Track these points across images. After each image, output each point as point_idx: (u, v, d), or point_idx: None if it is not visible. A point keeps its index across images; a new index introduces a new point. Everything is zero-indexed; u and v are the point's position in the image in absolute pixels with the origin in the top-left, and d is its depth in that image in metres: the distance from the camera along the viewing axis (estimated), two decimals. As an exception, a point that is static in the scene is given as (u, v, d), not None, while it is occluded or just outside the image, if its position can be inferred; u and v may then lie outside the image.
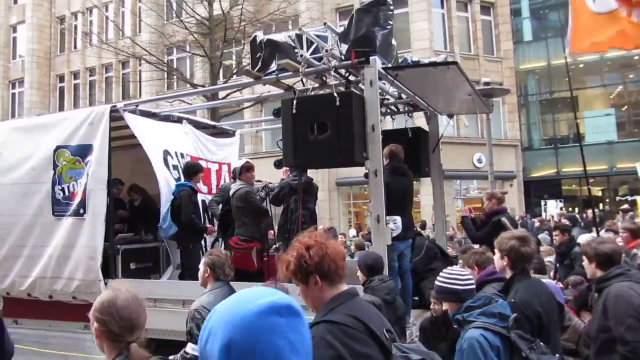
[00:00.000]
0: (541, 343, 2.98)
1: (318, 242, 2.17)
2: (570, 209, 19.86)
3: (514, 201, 20.61)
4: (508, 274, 3.64)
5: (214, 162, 7.57)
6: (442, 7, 24.77)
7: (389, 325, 2.29)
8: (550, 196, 22.76)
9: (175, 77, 25.10)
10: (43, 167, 6.31)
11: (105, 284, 5.83)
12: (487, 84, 15.66)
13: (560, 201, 22.48)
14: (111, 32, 29.98)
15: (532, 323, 3.29)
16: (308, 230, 2.30)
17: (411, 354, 2.14)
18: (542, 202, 22.85)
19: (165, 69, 21.50)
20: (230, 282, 4.36)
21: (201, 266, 4.23)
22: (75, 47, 32.52)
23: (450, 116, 7.24)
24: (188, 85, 20.77)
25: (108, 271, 5.99)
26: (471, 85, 5.97)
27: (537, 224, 12.60)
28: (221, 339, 1.18)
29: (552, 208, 18.28)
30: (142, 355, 2.11)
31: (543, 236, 9.46)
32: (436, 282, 3.27)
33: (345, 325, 2.05)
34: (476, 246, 6.09)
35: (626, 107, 25.57)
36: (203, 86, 16.75)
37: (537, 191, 24.45)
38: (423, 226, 13.35)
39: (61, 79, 32.71)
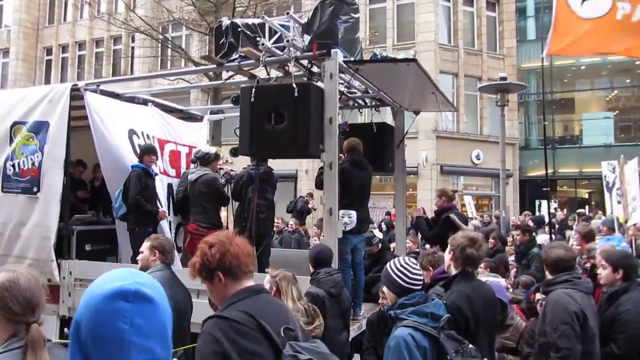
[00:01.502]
0: (471, 346, 3.05)
1: (221, 240, 2.28)
2: (564, 210, 20.04)
3: (509, 200, 20.84)
4: (452, 272, 3.78)
5: (183, 145, 7.70)
6: (449, 0, 24.93)
7: (294, 322, 2.39)
8: (545, 196, 22.98)
9: (169, 55, 25.05)
10: (0, 142, 6.46)
11: (58, 264, 6.06)
12: (503, 78, 15.88)
13: (555, 202, 22.70)
14: (104, 5, 30.04)
15: (459, 326, 3.37)
16: (215, 232, 2.43)
17: (302, 354, 2.17)
18: (537, 202, 23.05)
19: (168, 44, 21.08)
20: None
21: (146, 249, 4.27)
22: (65, 19, 32.39)
23: (417, 113, 7.43)
24: (183, 64, 20.69)
25: (62, 252, 6.19)
26: (433, 83, 6.16)
27: (531, 224, 12.86)
28: (75, 315, 1.34)
29: (546, 209, 18.42)
30: (42, 335, 2.09)
31: (544, 236, 9.57)
32: (386, 266, 3.29)
33: (234, 321, 2.13)
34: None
35: (625, 110, 25.99)
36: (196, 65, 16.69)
37: (531, 191, 24.76)
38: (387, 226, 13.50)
39: (49, 51, 32.55)
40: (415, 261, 3.32)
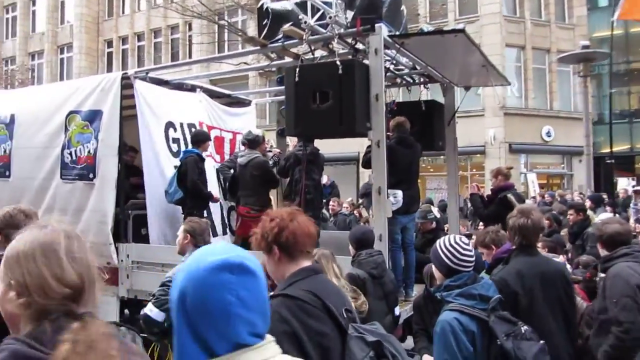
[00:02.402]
0: (526, 327, 2.94)
1: (282, 216, 2.29)
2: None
3: (582, 178, 20.16)
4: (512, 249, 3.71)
5: (227, 131, 7.94)
6: (513, -31, 24.14)
7: (350, 304, 2.43)
8: (622, 173, 22.01)
9: (226, 39, 25.43)
10: (55, 131, 6.84)
11: (116, 247, 6.42)
12: (585, 47, 15.31)
13: (633, 179, 21.68)
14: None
15: (507, 303, 3.24)
16: (283, 206, 2.50)
17: (367, 335, 2.20)
18: (614, 180, 22.11)
19: (226, 27, 21.20)
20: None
21: (180, 233, 4.38)
22: (123, 12, 33.61)
23: (467, 88, 7.30)
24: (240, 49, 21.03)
25: (119, 236, 6.53)
26: (483, 55, 6.03)
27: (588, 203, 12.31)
28: (178, 288, 1.36)
29: (624, 186, 17.63)
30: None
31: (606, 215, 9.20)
32: (435, 243, 3.21)
33: (301, 300, 2.13)
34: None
35: None
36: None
37: (607, 168, 23.69)
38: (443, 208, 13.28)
39: (109, 44, 33.94)
40: (467, 241, 3.22)
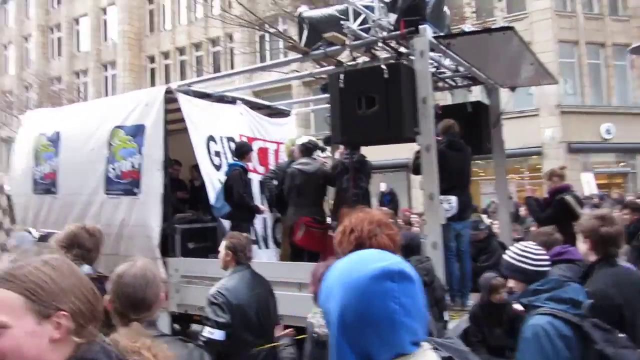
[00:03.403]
0: (621, 335, 2.79)
1: (364, 230, 2.20)
2: None
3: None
4: (592, 259, 3.53)
5: (271, 142, 8.03)
6: (561, -39, 23.67)
7: (427, 315, 2.40)
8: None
9: (268, 50, 25.72)
10: (100, 146, 7.06)
11: (164, 262, 6.53)
12: None
13: None
14: (200, 10, 31.64)
15: (610, 317, 3.04)
16: (376, 209, 2.39)
17: (440, 350, 2.17)
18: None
19: (268, 31, 21.23)
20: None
21: (222, 249, 4.38)
22: (164, 27, 34.39)
23: (513, 89, 7.17)
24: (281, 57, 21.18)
25: (167, 250, 6.64)
26: (532, 52, 5.92)
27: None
28: (339, 299, 1.33)
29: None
30: (141, 332, 2.11)
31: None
32: (504, 257, 3.16)
33: None
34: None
35: None
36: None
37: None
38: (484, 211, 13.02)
39: (152, 59, 34.73)
40: (533, 243, 3.19)
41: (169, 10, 33.90)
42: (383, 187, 17.30)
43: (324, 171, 6.88)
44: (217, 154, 7.14)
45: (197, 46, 32.56)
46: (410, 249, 4.79)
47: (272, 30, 19.62)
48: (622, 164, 23.87)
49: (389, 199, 17.57)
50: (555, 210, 6.36)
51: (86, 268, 2.98)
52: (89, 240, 3.10)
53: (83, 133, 7.39)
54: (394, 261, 1.38)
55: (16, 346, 1.32)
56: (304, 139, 7.32)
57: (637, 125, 20.79)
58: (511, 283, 3.18)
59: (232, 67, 29.18)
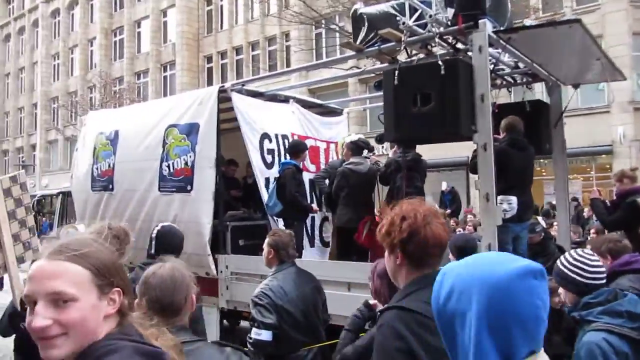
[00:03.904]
0: None
1: (417, 217, 2.11)
2: None
3: None
4: None
5: (322, 141, 8.11)
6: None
7: None
8: None
9: (324, 47, 25.82)
10: (155, 145, 7.26)
11: (215, 259, 6.67)
12: None
13: None
14: (257, 11, 32.10)
15: None
16: (419, 199, 2.27)
17: None
18: None
19: (324, 26, 21.12)
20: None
21: (265, 246, 4.43)
22: (222, 27, 35.21)
23: (576, 86, 6.90)
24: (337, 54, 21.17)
25: (218, 247, 6.78)
26: (599, 47, 5.67)
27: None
28: (482, 299, 1.35)
29: None
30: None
31: None
32: (557, 263, 3.04)
33: (419, 314, 1.97)
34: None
35: None
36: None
37: None
38: (546, 213, 12.54)
39: (209, 59, 35.63)
40: (590, 252, 3.06)
41: (227, 11, 34.78)
42: (444, 186, 17.09)
43: (375, 171, 6.87)
44: (271, 151, 7.23)
45: (254, 45, 33.12)
46: (465, 251, 4.68)
47: (330, 26, 19.70)
48: (699, 165, 22.66)
49: (450, 198, 17.33)
50: (624, 214, 6.12)
51: None
52: (112, 241, 3.01)
53: (139, 132, 7.61)
54: (529, 260, 1.43)
55: (81, 318, 1.40)
56: (354, 138, 7.30)
57: None
58: (561, 291, 3.07)
59: (287, 65, 29.49)
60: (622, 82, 18.80)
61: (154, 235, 4.27)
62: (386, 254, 2.22)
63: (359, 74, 7.58)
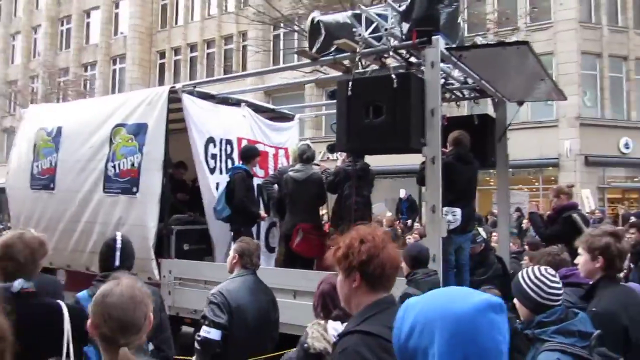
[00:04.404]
0: None
1: (375, 240, 2.16)
2: None
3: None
4: (596, 278, 3.50)
5: (271, 146, 8.15)
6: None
7: None
8: None
9: (282, 49, 25.81)
10: (101, 144, 7.16)
11: (158, 263, 6.62)
12: None
13: None
14: (214, 8, 31.86)
15: (617, 338, 3.11)
16: (375, 223, 2.37)
17: None
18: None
19: (286, 29, 20.95)
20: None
21: (230, 252, 4.53)
22: (176, 22, 34.74)
23: (520, 103, 7.21)
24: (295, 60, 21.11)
25: (161, 251, 6.73)
26: (544, 68, 5.95)
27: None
28: (443, 334, 1.38)
29: None
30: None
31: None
32: (518, 276, 3.07)
33: (382, 338, 1.98)
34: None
35: None
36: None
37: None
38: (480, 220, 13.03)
39: (162, 55, 35.13)
40: (553, 272, 3.09)
41: (182, 6, 34.31)
42: (402, 193, 17.40)
43: (316, 178, 6.92)
44: (214, 156, 7.23)
45: (209, 43, 32.81)
46: (419, 260, 4.87)
47: (293, 28, 19.62)
48: (636, 179, 24.19)
49: (407, 206, 17.64)
50: (561, 228, 6.44)
51: (17, 283, 2.80)
52: (23, 252, 2.88)
53: (84, 130, 7.47)
54: (490, 295, 1.47)
55: None
56: (301, 144, 7.40)
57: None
58: (516, 305, 3.11)
59: (244, 66, 29.40)
60: (571, 98, 19.84)
61: (118, 245, 4.03)
62: (340, 277, 2.23)
63: (313, 81, 7.68)
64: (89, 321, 2.09)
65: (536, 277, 2.95)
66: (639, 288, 4.57)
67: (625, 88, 23.87)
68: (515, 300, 3.12)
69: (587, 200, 17.44)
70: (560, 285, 3.00)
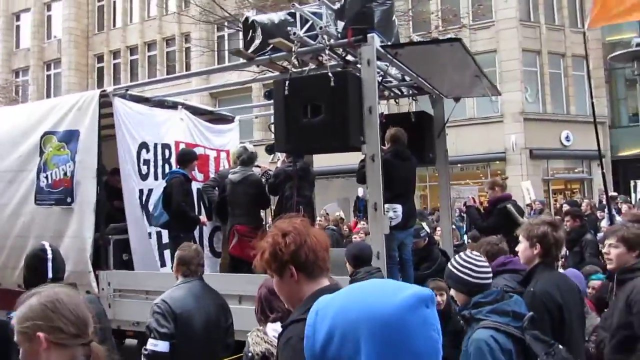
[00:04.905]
0: (561, 346, 2.93)
1: (297, 228, 2.12)
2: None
3: (601, 183, 20.45)
4: (533, 264, 3.68)
5: (212, 149, 8.09)
6: (524, -29, 24.82)
7: None
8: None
9: (226, 50, 25.62)
10: (30, 153, 6.90)
11: (96, 275, 6.44)
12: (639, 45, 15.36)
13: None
14: (154, 9, 31.39)
15: (553, 316, 3.32)
16: (288, 216, 2.26)
17: None
18: (632, 184, 22.47)
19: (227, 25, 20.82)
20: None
21: (175, 259, 4.50)
22: (114, 25, 34.11)
23: (457, 99, 7.41)
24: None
25: (99, 263, 6.55)
26: (477, 64, 6.13)
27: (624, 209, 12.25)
28: (372, 340, 1.21)
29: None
30: (102, 350, 2.05)
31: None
32: (448, 266, 3.21)
33: None
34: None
35: None
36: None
37: (626, 172, 24.23)
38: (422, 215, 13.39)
39: (100, 58, 34.44)
40: (477, 253, 3.28)
41: (120, 7, 33.67)
42: (360, 192, 17.61)
43: (253, 180, 6.89)
44: (147, 162, 7.11)
45: (150, 46, 32.34)
46: (361, 259, 4.95)
47: (236, 27, 19.44)
48: (577, 170, 25.39)
49: (364, 204, 17.84)
50: (497, 219, 6.72)
51: None
52: None
53: (11, 139, 7.20)
54: (416, 286, 1.31)
55: None
56: (239, 147, 7.37)
57: (592, 133, 21.61)
58: (453, 293, 3.31)
59: (187, 67, 29.14)
60: (514, 94, 20.72)
61: (48, 256, 3.84)
62: (275, 280, 2.17)
63: (249, 82, 7.66)
64: (38, 338, 1.93)
65: (464, 261, 3.14)
66: (574, 273, 4.82)
67: (564, 84, 24.99)
68: (452, 291, 3.32)
69: (527, 192, 18.12)
70: (487, 264, 3.20)
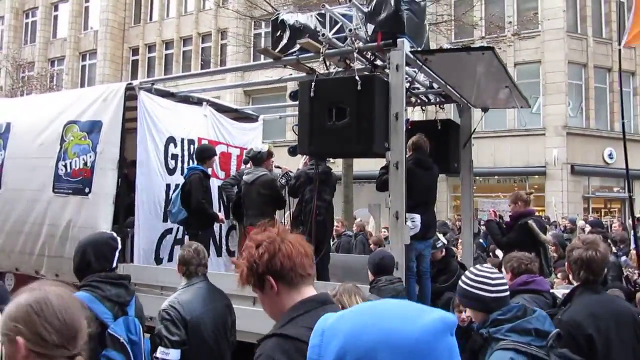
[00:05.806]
0: None
1: (270, 237, 2.08)
2: None
3: (642, 202, 20.17)
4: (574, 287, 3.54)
5: (235, 147, 8.17)
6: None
7: None
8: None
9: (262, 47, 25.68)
10: (52, 142, 7.06)
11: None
12: None
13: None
14: (191, 4, 31.77)
15: (580, 347, 3.10)
16: (263, 225, 2.20)
17: None
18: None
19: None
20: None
21: (179, 259, 4.46)
22: (151, 19, 34.65)
23: (485, 110, 7.37)
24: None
25: (116, 255, 6.70)
26: (508, 75, 6.10)
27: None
28: None
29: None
30: None
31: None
32: (460, 283, 3.07)
33: (300, 341, 1.82)
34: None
35: None
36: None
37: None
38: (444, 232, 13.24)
39: (135, 51, 34.98)
40: (489, 265, 3.19)
41: (158, 1, 34.16)
42: None
43: (264, 180, 6.94)
44: (175, 156, 7.21)
45: (186, 41, 32.72)
46: (381, 267, 4.93)
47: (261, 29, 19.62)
48: (618, 189, 24.91)
49: None
50: (517, 235, 6.62)
51: None
52: None
53: (35, 126, 7.37)
54: (439, 310, 1.22)
55: None
56: (258, 146, 7.46)
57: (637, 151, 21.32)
58: (469, 312, 3.14)
59: (222, 64, 29.20)
60: (558, 107, 20.44)
61: (118, 246, 3.82)
62: (259, 295, 2.12)
63: (276, 81, 7.72)
64: (16, 341, 1.72)
65: (476, 275, 3.00)
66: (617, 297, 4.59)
67: (609, 99, 24.49)
68: (468, 311, 3.20)
69: (553, 209, 17.89)
70: (502, 275, 3.07)
